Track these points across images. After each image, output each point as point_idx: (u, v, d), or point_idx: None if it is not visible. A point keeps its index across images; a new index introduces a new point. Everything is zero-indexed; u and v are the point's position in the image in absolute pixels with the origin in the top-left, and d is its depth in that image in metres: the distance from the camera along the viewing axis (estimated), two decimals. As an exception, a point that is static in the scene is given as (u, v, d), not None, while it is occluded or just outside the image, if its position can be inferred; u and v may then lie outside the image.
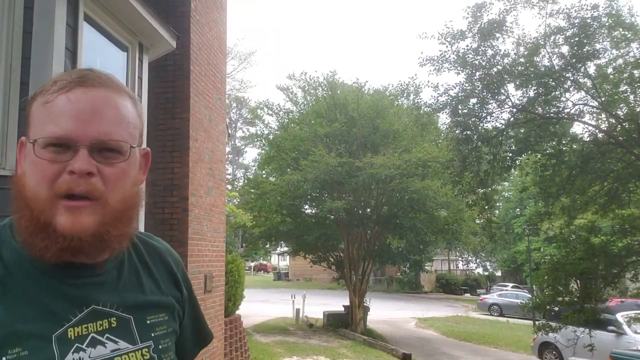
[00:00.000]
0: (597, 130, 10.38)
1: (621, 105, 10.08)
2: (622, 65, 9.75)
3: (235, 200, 25.44)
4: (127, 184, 0.86)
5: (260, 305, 21.46)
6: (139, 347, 0.88)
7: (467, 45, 10.27)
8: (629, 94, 9.86)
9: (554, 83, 9.73)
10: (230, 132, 41.18)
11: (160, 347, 0.91)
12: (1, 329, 0.76)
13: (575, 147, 10.55)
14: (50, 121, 0.80)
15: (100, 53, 4.52)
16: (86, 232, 0.80)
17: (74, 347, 0.80)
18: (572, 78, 9.83)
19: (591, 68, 9.95)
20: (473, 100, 10.62)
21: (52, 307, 0.81)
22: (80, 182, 0.79)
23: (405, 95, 18.26)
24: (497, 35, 10.00)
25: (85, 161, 0.79)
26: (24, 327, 0.77)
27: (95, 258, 0.87)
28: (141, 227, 4.81)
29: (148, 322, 0.91)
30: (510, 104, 10.38)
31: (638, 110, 9.61)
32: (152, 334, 0.91)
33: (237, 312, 9.58)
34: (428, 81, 19.35)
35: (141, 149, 0.92)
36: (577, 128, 23.75)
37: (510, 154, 10.74)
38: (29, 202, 0.81)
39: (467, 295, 38.06)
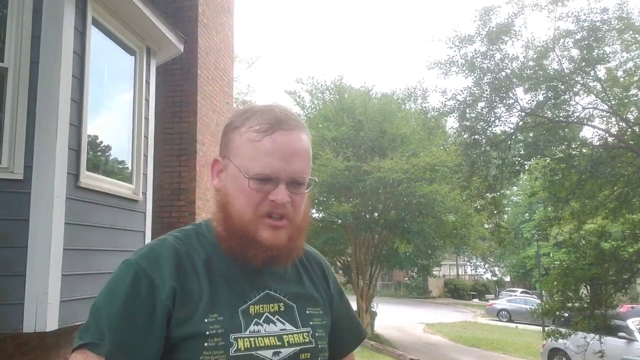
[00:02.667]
0: (607, 134, 10.28)
1: (631, 109, 9.98)
2: (633, 69, 9.66)
3: (242, 205, 25.50)
4: (304, 206, 1.09)
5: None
6: (301, 331, 1.06)
7: (476, 49, 10.23)
8: (639, 97, 9.77)
9: (563, 87, 9.65)
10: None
11: (316, 334, 1.08)
12: (206, 298, 0.99)
13: (585, 151, 10.45)
14: (259, 160, 1.00)
15: (108, 57, 4.53)
16: (284, 244, 1.03)
17: (254, 321, 1.00)
18: (581, 81, 9.75)
19: (601, 71, 9.87)
20: (481, 104, 10.56)
21: (240, 286, 1.03)
22: (279, 208, 1.01)
23: (412, 99, 18.24)
24: (506, 38, 9.95)
25: (285, 194, 1.01)
26: (220, 299, 1.00)
27: (285, 263, 1.08)
28: (148, 232, 4.81)
29: (307, 312, 1.10)
30: (519, 107, 10.31)
31: (648, 114, 9.52)
32: (311, 322, 1.08)
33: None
34: (436, 86, 19.26)
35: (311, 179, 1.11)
36: (587, 132, 23.57)
37: (519, 159, 10.66)
38: (234, 218, 1.03)
39: (476, 300, 37.85)
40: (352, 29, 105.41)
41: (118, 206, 4.33)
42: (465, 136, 10.81)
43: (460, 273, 47.92)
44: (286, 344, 1.02)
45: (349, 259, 18.23)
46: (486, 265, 46.44)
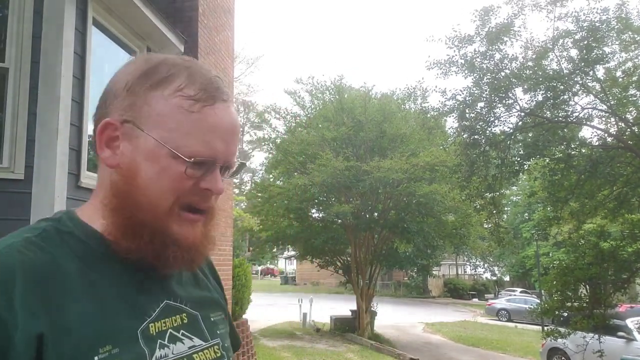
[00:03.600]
0: (606, 134, 10.30)
1: (630, 109, 10.00)
2: (632, 69, 9.68)
3: (242, 204, 25.50)
4: None
5: (267, 310, 21.45)
6: (210, 344, 0.86)
7: (475, 49, 10.24)
8: (638, 97, 9.78)
9: (562, 87, 9.67)
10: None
11: (225, 345, 0.90)
12: (88, 327, 0.70)
13: (584, 151, 10.47)
14: (199, 137, 0.77)
15: (108, 57, 4.55)
16: (200, 242, 0.82)
17: (158, 343, 0.77)
18: (580, 82, 9.76)
19: (600, 71, 9.89)
20: (481, 104, 10.58)
21: (134, 300, 0.77)
22: (208, 199, 0.81)
23: (412, 99, 18.25)
24: (505, 39, 9.96)
25: (221, 182, 0.81)
26: (112, 323, 0.73)
27: (196, 266, 0.87)
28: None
29: (212, 319, 0.90)
30: (518, 108, 10.32)
31: (648, 114, 9.54)
32: (218, 332, 0.89)
33: (244, 316, 9.58)
34: (435, 86, 19.25)
35: None
36: (586, 132, 23.56)
37: (519, 159, 10.67)
38: (143, 210, 0.77)
39: (475, 300, 37.86)
40: (352, 29, 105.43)
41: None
42: (464, 136, 10.82)
43: (459, 273, 47.93)
44: None
45: (348, 258, 18.24)
46: (486, 265, 46.47)
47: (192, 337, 0.83)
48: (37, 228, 0.78)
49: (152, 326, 0.77)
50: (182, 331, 0.82)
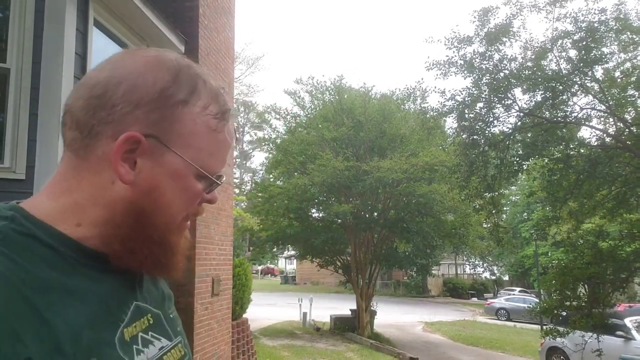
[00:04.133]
0: (604, 135, 10.33)
1: (629, 109, 10.03)
2: (630, 69, 9.71)
3: (242, 204, 25.52)
4: None
5: (267, 309, 21.47)
6: (175, 343, 0.82)
7: (474, 50, 10.27)
8: (636, 97, 9.81)
9: (561, 87, 9.69)
10: (237, 136, 41.29)
11: (185, 342, 0.86)
12: (73, 340, 0.63)
13: (582, 151, 10.50)
14: (219, 157, 0.77)
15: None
16: (185, 247, 0.81)
17: (134, 349, 0.71)
18: (579, 82, 9.79)
19: (599, 72, 9.93)
20: (480, 105, 10.61)
21: (107, 306, 0.71)
22: (203, 208, 0.80)
23: (411, 99, 18.28)
24: (504, 39, 9.99)
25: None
26: (93, 333, 0.66)
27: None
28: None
29: (171, 316, 0.86)
30: (517, 108, 10.35)
31: (646, 114, 9.57)
32: (178, 329, 0.85)
33: (244, 315, 9.60)
34: (435, 86, 19.27)
35: None
36: (585, 132, 23.55)
37: (518, 159, 10.70)
38: (157, 225, 0.73)
39: (474, 299, 37.88)
40: (352, 29, 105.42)
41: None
42: (464, 136, 10.85)
43: (459, 272, 47.95)
44: None
45: (348, 258, 18.26)
46: (485, 265, 46.50)
47: (160, 337, 0.79)
48: None
49: (126, 332, 0.72)
50: (150, 333, 0.77)
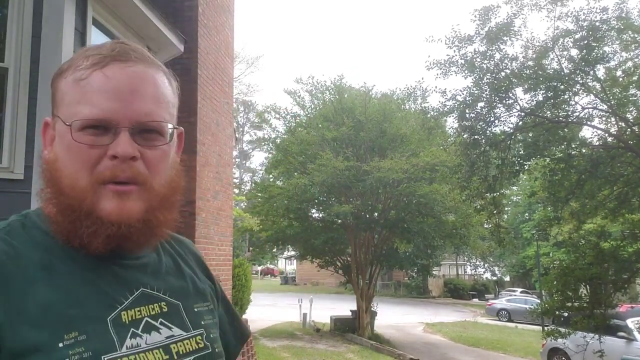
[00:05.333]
0: (606, 134, 10.29)
1: (631, 109, 9.99)
2: (632, 68, 9.68)
3: (242, 204, 25.49)
4: (168, 167, 0.82)
5: (267, 310, 21.44)
6: (192, 335, 0.83)
7: (475, 49, 10.24)
8: (638, 97, 9.78)
9: (562, 86, 9.66)
10: (237, 135, 41.26)
11: (211, 336, 0.87)
12: (52, 313, 0.70)
13: (584, 151, 10.47)
14: (86, 101, 0.75)
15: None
16: (134, 217, 0.76)
17: (130, 332, 0.75)
18: (581, 81, 9.75)
19: (600, 71, 9.89)
20: (481, 104, 10.57)
21: (103, 288, 0.76)
22: (124, 167, 0.75)
23: (412, 99, 18.25)
24: (505, 38, 9.95)
25: (129, 145, 0.75)
26: (78, 310, 0.72)
27: (143, 246, 0.83)
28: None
29: (196, 309, 0.87)
30: (518, 107, 10.32)
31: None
32: (202, 322, 0.87)
33: (244, 316, 9.57)
34: (435, 86, 19.23)
35: (177, 130, 0.86)
36: (586, 132, 23.51)
37: (519, 159, 10.66)
38: (65, 190, 0.76)
39: (475, 300, 37.85)
40: (352, 29, 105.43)
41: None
42: (464, 136, 10.82)
43: (460, 273, 47.92)
44: (175, 356, 0.78)
45: (349, 258, 18.23)
46: (486, 265, 46.46)
47: (172, 326, 0.81)
48: (2, 223, 0.79)
49: (124, 314, 0.76)
50: (160, 320, 0.80)
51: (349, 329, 16.52)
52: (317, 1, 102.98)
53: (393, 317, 21.76)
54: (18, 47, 3.51)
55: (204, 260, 1.02)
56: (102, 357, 0.70)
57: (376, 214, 17.11)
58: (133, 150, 0.75)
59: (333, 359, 11.98)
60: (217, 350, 0.86)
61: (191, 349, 0.81)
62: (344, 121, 16.12)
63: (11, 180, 3.39)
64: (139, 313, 0.77)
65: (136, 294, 0.79)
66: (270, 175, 21.65)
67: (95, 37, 4.15)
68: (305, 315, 17.83)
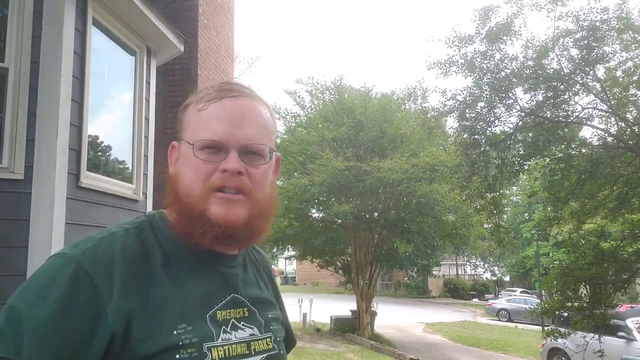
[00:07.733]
0: (606, 134, 10.29)
1: (631, 109, 10.00)
2: (632, 68, 9.68)
3: (242, 204, 25.46)
4: (267, 184, 0.98)
5: (267, 310, 21.39)
6: (264, 337, 0.98)
7: (475, 49, 10.24)
8: (638, 97, 9.78)
9: (562, 86, 9.66)
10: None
11: (277, 339, 1.02)
12: (170, 307, 0.85)
13: (584, 151, 10.46)
14: (205, 127, 0.92)
15: (108, 57, 4.53)
16: (239, 221, 0.91)
17: (222, 328, 0.91)
18: (581, 81, 9.75)
19: (600, 71, 9.89)
20: (481, 104, 10.56)
21: (205, 290, 0.92)
22: (232, 179, 0.91)
23: (412, 99, 18.24)
24: (505, 38, 9.96)
25: (237, 162, 0.91)
26: (187, 306, 0.87)
27: (242, 247, 1.03)
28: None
29: (269, 315, 1.03)
30: (518, 107, 10.32)
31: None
32: (271, 327, 1.02)
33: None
34: (436, 86, 19.23)
35: (275, 154, 1.02)
36: (586, 132, 23.56)
37: (519, 159, 10.66)
38: (182, 197, 0.92)
39: (475, 300, 37.88)
40: (352, 29, 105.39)
41: (118, 206, 4.34)
42: (464, 136, 10.81)
43: (459, 273, 47.93)
44: (253, 352, 0.94)
45: (349, 258, 18.23)
46: (486, 265, 46.49)
47: (252, 327, 0.97)
48: (135, 222, 0.95)
49: (219, 313, 0.92)
50: (242, 322, 0.95)
51: (349, 329, 16.53)
52: (317, 1, 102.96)
53: (393, 317, 21.77)
54: (18, 47, 3.50)
55: (273, 274, 1.19)
56: (204, 344, 0.86)
57: (376, 214, 17.11)
58: (240, 166, 0.91)
59: (333, 359, 11.97)
60: (281, 352, 1.02)
61: (264, 349, 0.97)
62: (344, 121, 16.11)
63: (11, 180, 3.38)
64: (228, 314, 0.94)
65: (228, 297, 0.95)
66: (270, 175, 21.59)
67: (96, 37, 4.15)
68: (305, 315, 17.83)
